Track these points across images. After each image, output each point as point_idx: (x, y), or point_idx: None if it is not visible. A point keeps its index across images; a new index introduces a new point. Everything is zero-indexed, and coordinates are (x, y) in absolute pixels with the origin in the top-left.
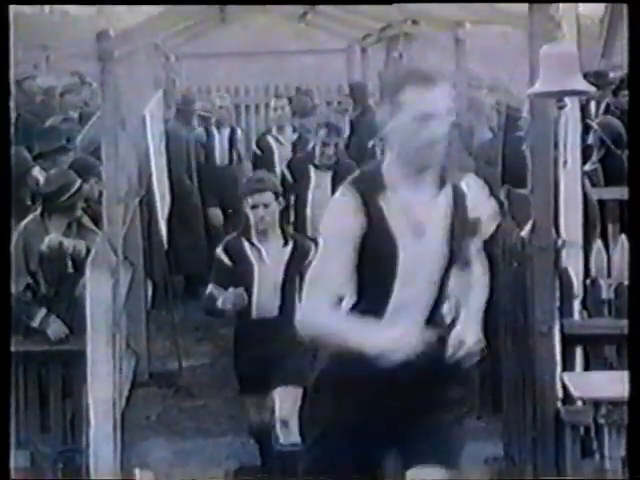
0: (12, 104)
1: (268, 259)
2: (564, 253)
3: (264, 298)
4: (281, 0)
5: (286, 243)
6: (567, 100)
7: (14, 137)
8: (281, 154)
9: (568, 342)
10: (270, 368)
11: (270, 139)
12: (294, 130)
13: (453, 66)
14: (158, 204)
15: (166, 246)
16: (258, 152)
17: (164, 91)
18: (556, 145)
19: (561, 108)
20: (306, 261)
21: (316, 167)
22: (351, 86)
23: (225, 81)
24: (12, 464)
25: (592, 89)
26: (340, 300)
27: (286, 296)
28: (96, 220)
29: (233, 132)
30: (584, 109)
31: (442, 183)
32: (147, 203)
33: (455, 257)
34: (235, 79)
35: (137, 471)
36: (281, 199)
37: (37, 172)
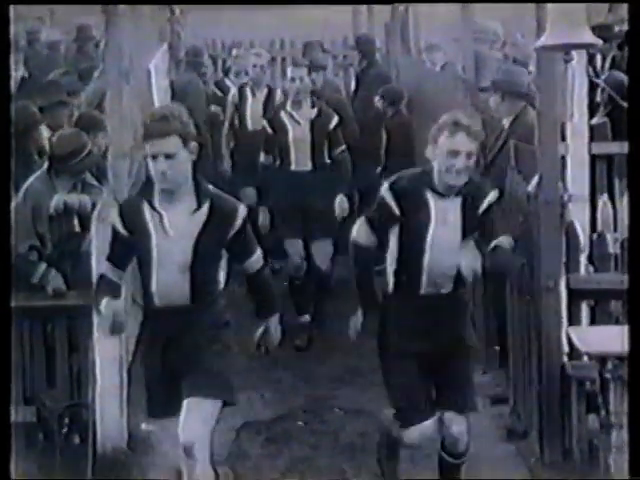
0: (21, 58)
1: (171, 229)
2: (570, 207)
3: (168, 281)
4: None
5: (199, 206)
6: (574, 53)
7: (17, 92)
8: (296, 135)
9: (574, 297)
10: (179, 372)
11: (284, 116)
12: (313, 105)
13: (459, 19)
14: None
15: None
16: (269, 130)
17: (169, 44)
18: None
19: (568, 61)
20: (230, 230)
21: (439, 194)
22: (358, 39)
23: (230, 35)
24: (18, 419)
25: (599, 42)
26: None
27: (197, 281)
28: (101, 175)
29: (270, 93)
30: (591, 62)
31: None
32: None
33: None
34: (240, 33)
35: (143, 426)
36: (193, 145)
37: (44, 127)
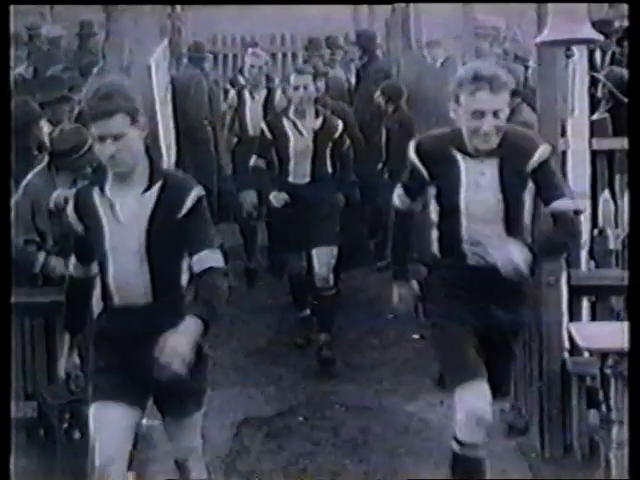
0: (22, 53)
1: (122, 214)
2: None
3: (126, 274)
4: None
5: (149, 186)
6: (575, 49)
7: (18, 87)
8: (298, 146)
9: (575, 293)
10: (142, 379)
11: (286, 124)
12: (317, 114)
13: (460, 15)
14: (164, 154)
15: None
16: (268, 135)
17: (169, 40)
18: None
19: (569, 57)
20: (180, 210)
21: (469, 155)
22: (358, 34)
23: (231, 31)
24: (18, 414)
25: (600, 37)
26: None
27: (157, 272)
28: (102, 171)
29: (270, 94)
30: (590, 58)
31: None
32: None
33: None
34: (241, 29)
35: (144, 421)
36: (142, 121)
37: (45, 122)
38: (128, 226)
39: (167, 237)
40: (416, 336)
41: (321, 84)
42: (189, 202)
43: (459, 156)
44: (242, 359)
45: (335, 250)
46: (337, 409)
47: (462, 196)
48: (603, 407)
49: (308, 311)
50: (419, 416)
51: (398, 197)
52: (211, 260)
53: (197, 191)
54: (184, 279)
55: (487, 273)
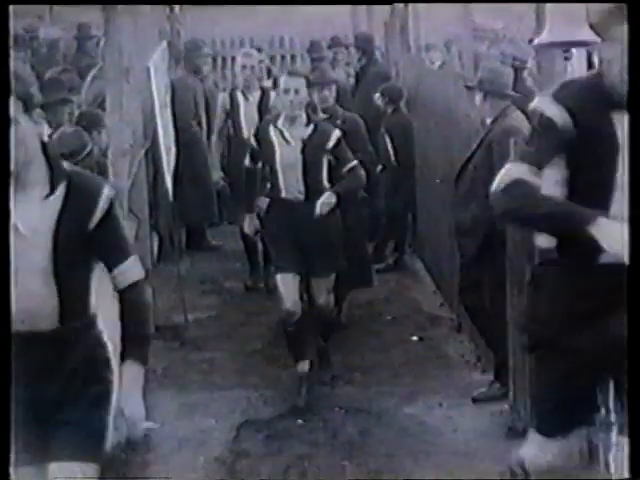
0: (22, 55)
1: (23, 227)
2: None
3: (30, 295)
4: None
5: (52, 190)
6: (573, 51)
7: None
8: (283, 155)
9: None
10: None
11: (272, 132)
12: (308, 122)
13: (459, 18)
14: (163, 156)
15: (172, 199)
16: (255, 146)
17: (168, 42)
18: None
19: (567, 59)
20: (92, 216)
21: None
22: (357, 36)
23: (230, 33)
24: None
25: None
26: None
27: (66, 292)
28: (102, 173)
29: (264, 95)
30: (589, 59)
31: None
32: (152, 155)
33: None
34: (240, 31)
35: (144, 424)
36: (38, 114)
37: (45, 125)
38: (30, 239)
39: (77, 249)
40: (415, 338)
41: (330, 92)
42: (101, 206)
43: (613, 111)
44: (241, 361)
45: (334, 275)
46: (336, 411)
47: (619, 166)
48: (602, 409)
49: (307, 366)
50: (418, 418)
51: (517, 172)
52: (133, 274)
53: (107, 192)
54: (94, 297)
55: (618, 273)
